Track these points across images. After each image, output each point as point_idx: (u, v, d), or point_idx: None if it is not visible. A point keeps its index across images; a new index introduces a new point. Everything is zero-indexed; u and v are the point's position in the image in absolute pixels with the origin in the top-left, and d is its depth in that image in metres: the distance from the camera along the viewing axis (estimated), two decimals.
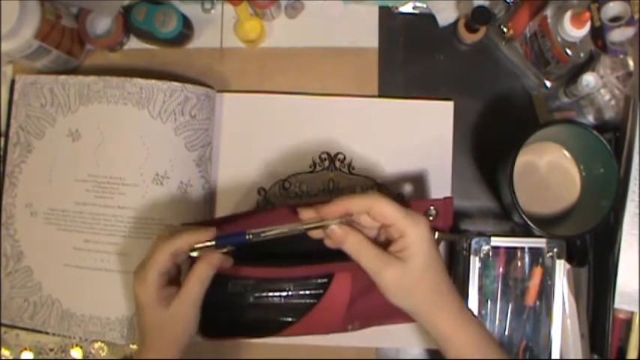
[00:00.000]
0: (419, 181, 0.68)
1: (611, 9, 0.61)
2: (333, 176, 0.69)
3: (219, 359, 0.67)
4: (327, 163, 0.69)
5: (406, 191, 0.68)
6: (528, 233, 0.61)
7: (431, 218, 0.58)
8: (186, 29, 0.69)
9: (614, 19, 0.61)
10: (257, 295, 0.60)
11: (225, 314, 0.60)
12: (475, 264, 0.61)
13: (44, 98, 0.67)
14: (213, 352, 0.67)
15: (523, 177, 0.65)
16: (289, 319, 0.60)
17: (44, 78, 0.67)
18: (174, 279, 0.55)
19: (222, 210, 0.68)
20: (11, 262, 0.66)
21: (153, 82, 0.65)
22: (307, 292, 0.60)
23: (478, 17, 0.64)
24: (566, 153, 0.66)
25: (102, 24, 0.69)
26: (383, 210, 0.49)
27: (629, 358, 0.63)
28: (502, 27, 0.67)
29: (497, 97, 0.69)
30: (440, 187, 0.67)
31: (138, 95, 0.65)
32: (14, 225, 0.67)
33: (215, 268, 0.53)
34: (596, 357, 0.64)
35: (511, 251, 0.62)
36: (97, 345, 0.68)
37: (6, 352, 0.69)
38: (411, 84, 0.70)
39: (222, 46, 0.71)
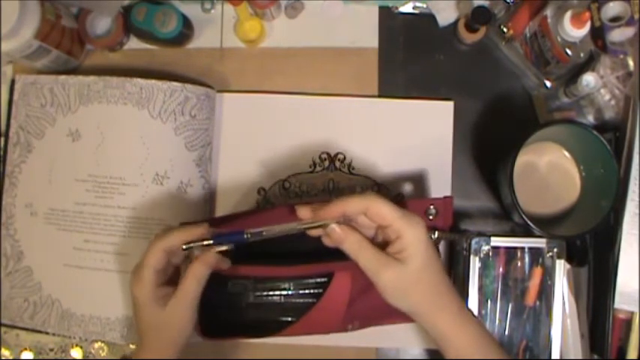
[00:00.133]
0: (419, 181, 0.68)
1: (611, 9, 0.61)
2: (333, 176, 0.69)
3: (219, 359, 0.67)
4: (327, 163, 0.69)
5: (406, 191, 0.68)
6: (528, 233, 0.61)
7: (431, 217, 0.58)
8: (186, 29, 0.69)
9: (614, 19, 0.61)
10: (257, 294, 0.60)
11: (225, 314, 0.60)
12: (475, 264, 0.61)
13: (44, 98, 0.67)
14: (213, 352, 0.67)
15: (523, 177, 0.65)
16: (289, 319, 0.60)
17: (44, 78, 0.67)
18: (172, 279, 0.55)
19: (222, 210, 0.68)
20: (11, 262, 0.66)
21: (153, 82, 0.65)
22: (307, 291, 0.60)
23: (478, 17, 0.64)
24: (566, 153, 0.66)
25: (102, 24, 0.69)
26: (380, 211, 0.49)
27: (629, 358, 0.63)
28: (502, 27, 0.67)
29: (497, 97, 0.69)
30: (440, 187, 0.67)
31: (138, 95, 0.65)
32: (14, 225, 0.67)
33: (211, 267, 0.53)
34: (596, 357, 0.64)
35: (511, 251, 0.62)
36: (97, 345, 0.68)
37: (6, 352, 0.69)
38: (411, 84, 0.70)
39: (222, 46, 0.71)
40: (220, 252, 0.54)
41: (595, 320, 0.64)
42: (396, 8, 0.70)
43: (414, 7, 0.70)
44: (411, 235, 0.49)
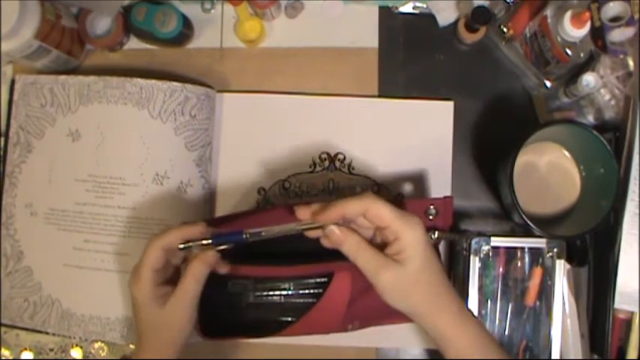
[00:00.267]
0: (419, 181, 0.68)
1: (611, 9, 0.61)
2: (333, 176, 0.69)
3: (219, 359, 0.67)
4: (327, 163, 0.69)
5: (406, 191, 0.68)
6: (528, 233, 0.61)
7: (431, 217, 0.58)
8: (186, 29, 0.69)
9: (614, 19, 0.61)
10: (257, 294, 0.60)
11: (225, 314, 0.60)
12: (475, 264, 0.61)
13: (44, 98, 0.67)
14: (213, 352, 0.67)
15: (523, 177, 0.65)
16: (289, 319, 0.60)
17: (44, 78, 0.67)
18: (172, 280, 0.55)
19: (222, 210, 0.68)
20: (11, 262, 0.66)
21: (153, 82, 0.65)
22: (307, 291, 0.60)
23: (478, 17, 0.64)
24: (566, 153, 0.66)
25: (102, 24, 0.69)
26: (378, 212, 0.49)
27: (629, 358, 0.63)
28: (502, 27, 0.67)
29: (497, 97, 0.69)
30: (440, 187, 0.67)
31: (138, 95, 0.65)
32: (14, 225, 0.67)
33: (211, 266, 0.53)
34: (596, 357, 0.64)
35: (511, 251, 0.62)
36: (97, 345, 0.68)
37: (6, 352, 0.69)
38: (411, 84, 0.70)
39: (222, 46, 0.71)
40: (219, 251, 0.54)
41: (595, 320, 0.64)
42: (396, 8, 0.70)
43: (414, 7, 0.70)
44: (410, 237, 0.49)
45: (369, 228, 0.53)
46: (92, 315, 0.65)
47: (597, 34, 0.61)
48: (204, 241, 0.53)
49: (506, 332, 0.62)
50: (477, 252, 0.61)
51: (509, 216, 0.67)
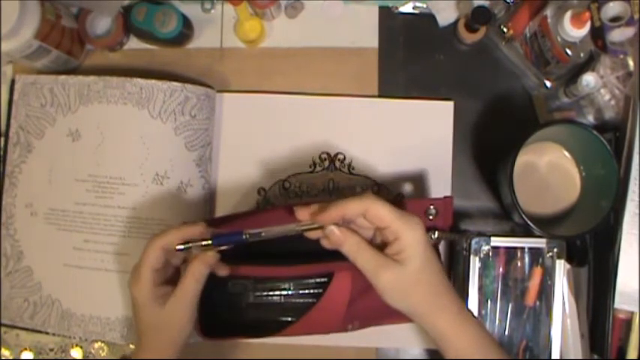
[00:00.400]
0: (419, 181, 0.68)
1: (611, 9, 0.61)
2: (333, 176, 0.69)
3: (219, 359, 0.67)
4: (327, 163, 0.69)
5: (406, 191, 0.68)
6: (528, 233, 0.61)
7: (431, 217, 0.58)
8: (186, 29, 0.69)
9: (614, 19, 0.61)
10: (257, 294, 0.60)
11: (225, 314, 0.60)
12: (475, 264, 0.61)
13: (44, 98, 0.67)
14: (213, 352, 0.67)
15: (523, 177, 0.65)
16: (289, 319, 0.60)
17: (44, 78, 0.67)
18: (172, 280, 0.55)
19: (222, 210, 0.68)
20: (11, 262, 0.66)
21: (153, 82, 0.65)
22: (307, 291, 0.60)
23: (478, 17, 0.64)
24: (566, 153, 0.66)
25: (102, 24, 0.69)
26: (378, 213, 0.49)
27: (629, 358, 0.63)
28: (502, 27, 0.67)
29: (497, 97, 0.69)
30: (440, 187, 0.67)
31: (138, 95, 0.65)
32: (14, 225, 0.67)
33: (210, 267, 0.53)
34: (596, 357, 0.64)
35: (511, 251, 0.62)
36: (97, 345, 0.68)
37: (6, 352, 0.69)
38: (411, 84, 0.70)
39: (222, 46, 0.71)
40: (219, 251, 0.54)
41: (595, 320, 0.64)
42: (396, 8, 0.70)
43: (414, 7, 0.70)
44: (410, 237, 0.49)
45: (369, 228, 0.52)
46: (92, 315, 0.65)
47: (597, 34, 0.61)
48: (204, 242, 0.53)
49: (506, 332, 0.62)
50: (477, 252, 0.61)
51: (509, 216, 0.67)
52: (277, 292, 0.60)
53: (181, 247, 0.52)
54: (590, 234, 0.64)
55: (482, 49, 0.70)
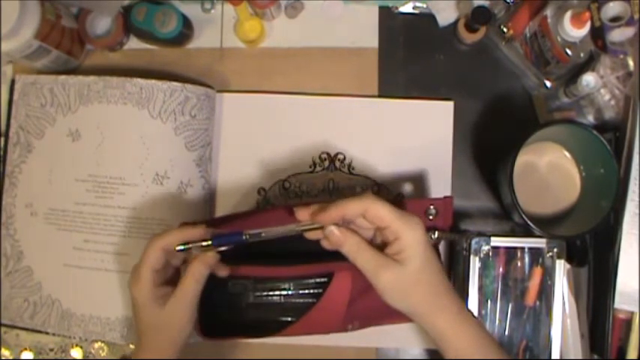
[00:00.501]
0: (419, 181, 0.68)
1: (611, 9, 0.61)
2: (333, 176, 0.69)
3: (219, 359, 0.67)
4: (327, 163, 0.69)
5: (406, 191, 0.68)
6: (528, 233, 0.61)
7: (431, 217, 0.58)
8: (186, 29, 0.69)
9: (614, 19, 0.61)
10: (257, 294, 0.60)
11: (225, 314, 0.60)
12: (475, 264, 0.61)
13: (44, 98, 0.67)
14: (213, 352, 0.67)
15: (523, 177, 0.65)
16: (289, 319, 0.60)
17: (44, 78, 0.67)
18: (172, 280, 0.55)
19: (222, 210, 0.68)
20: (11, 262, 0.66)
21: (153, 82, 0.65)
22: (307, 291, 0.60)
23: (478, 17, 0.64)
24: (566, 153, 0.66)
25: (102, 24, 0.69)
26: (378, 212, 0.49)
27: (629, 358, 0.63)
28: (502, 27, 0.67)
29: (497, 97, 0.69)
30: (440, 187, 0.67)
31: (138, 95, 0.65)
32: (14, 225, 0.67)
33: (210, 267, 0.53)
34: (596, 357, 0.64)
35: (511, 251, 0.62)
36: (97, 345, 0.68)
37: (6, 352, 0.69)
38: (411, 84, 0.70)
39: (222, 46, 0.71)
40: (219, 252, 0.54)
41: (595, 320, 0.64)
42: (396, 8, 0.70)
43: (414, 7, 0.70)
44: (410, 237, 0.49)
45: (369, 228, 0.52)
46: (92, 315, 0.65)
47: (597, 34, 0.61)
48: (204, 242, 0.53)
49: (506, 332, 0.62)
50: (477, 252, 0.61)
51: (509, 216, 0.67)
52: (277, 292, 0.60)
53: (181, 247, 0.52)
54: (590, 234, 0.64)
55: (483, 49, 0.70)
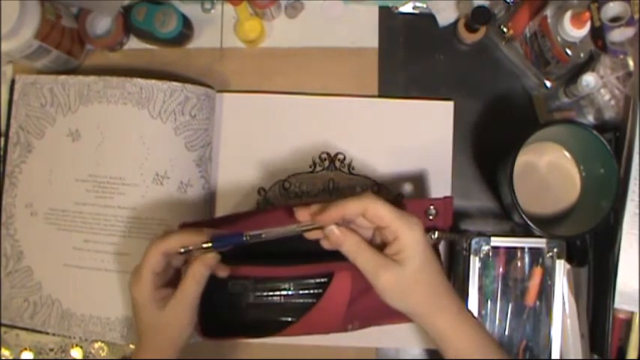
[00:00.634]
0: (419, 181, 0.68)
1: (611, 9, 0.61)
2: (333, 176, 0.69)
3: (219, 359, 0.67)
4: (327, 163, 0.69)
5: (406, 191, 0.68)
6: (528, 233, 0.61)
7: (431, 217, 0.58)
8: (186, 29, 0.69)
9: (614, 19, 0.61)
10: (257, 294, 0.60)
11: (225, 314, 0.60)
12: (475, 264, 0.61)
13: (44, 98, 0.67)
14: (213, 352, 0.67)
15: (523, 177, 0.65)
16: (289, 319, 0.60)
17: (44, 78, 0.67)
18: (172, 282, 0.55)
19: (222, 210, 0.68)
20: (11, 262, 0.66)
21: (153, 82, 0.65)
22: (307, 291, 0.60)
23: (478, 17, 0.64)
24: (566, 153, 0.66)
25: (102, 24, 0.69)
26: (378, 212, 0.49)
27: (629, 358, 0.63)
28: (502, 27, 0.67)
29: (497, 97, 0.69)
30: (440, 187, 0.67)
31: (138, 95, 0.65)
32: (14, 225, 0.67)
33: (211, 268, 0.53)
34: (596, 357, 0.64)
35: (511, 251, 0.62)
36: (97, 345, 0.68)
37: (6, 352, 0.69)
38: (411, 84, 0.70)
39: (222, 46, 0.71)
40: (219, 252, 0.54)
41: (595, 320, 0.64)
42: (396, 8, 0.70)
43: (414, 7, 0.70)
44: (409, 237, 0.49)
45: (369, 228, 0.53)
46: (92, 315, 0.65)
47: (597, 34, 0.61)
48: (205, 244, 0.53)
49: (506, 332, 0.62)
50: (477, 252, 0.61)
51: (509, 216, 0.67)
52: (277, 293, 0.60)
53: (182, 251, 0.52)
54: (590, 234, 0.64)
55: (483, 49, 0.70)
